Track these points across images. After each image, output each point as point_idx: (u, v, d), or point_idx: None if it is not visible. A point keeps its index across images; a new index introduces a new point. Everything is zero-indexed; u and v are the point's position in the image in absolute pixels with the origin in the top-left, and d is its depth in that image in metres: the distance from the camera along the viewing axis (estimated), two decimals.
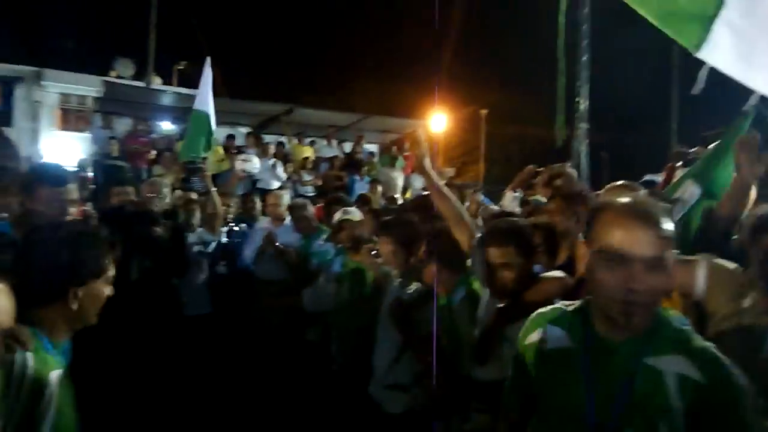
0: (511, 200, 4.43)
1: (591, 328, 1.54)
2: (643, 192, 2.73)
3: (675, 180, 3.78)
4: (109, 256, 1.92)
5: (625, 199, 1.53)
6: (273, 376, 4.81)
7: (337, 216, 4.37)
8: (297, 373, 4.83)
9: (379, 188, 8.44)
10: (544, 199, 3.99)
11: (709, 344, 1.45)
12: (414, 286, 3.25)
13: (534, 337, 1.67)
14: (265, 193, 7.11)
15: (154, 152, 11.78)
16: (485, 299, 2.67)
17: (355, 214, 4.43)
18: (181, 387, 4.21)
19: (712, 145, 3.52)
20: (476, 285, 2.85)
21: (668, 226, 1.43)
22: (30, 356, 1.57)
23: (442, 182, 3.15)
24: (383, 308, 3.57)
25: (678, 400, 1.37)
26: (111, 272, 1.92)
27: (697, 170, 3.44)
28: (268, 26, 23.43)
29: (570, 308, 1.64)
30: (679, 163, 4.81)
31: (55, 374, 1.62)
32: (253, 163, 5.90)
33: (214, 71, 6.12)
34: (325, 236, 4.80)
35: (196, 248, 5.07)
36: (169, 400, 3.91)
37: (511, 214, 3.69)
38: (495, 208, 4.93)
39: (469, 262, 2.89)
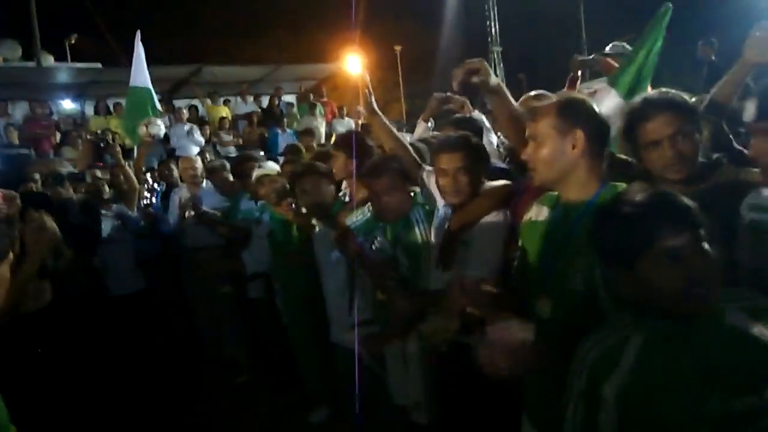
0: (423, 131, 4.39)
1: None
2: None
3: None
4: (9, 238, 1.81)
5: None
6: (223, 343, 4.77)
7: (256, 173, 4.26)
8: (248, 334, 4.80)
9: (311, 140, 8.18)
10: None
11: None
12: (355, 218, 3.22)
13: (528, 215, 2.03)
14: (162, 161, 6.93)
15: (58, 134, 11.08)
16: (438, 215, 2.78)
17: (272, 167, 4.34)
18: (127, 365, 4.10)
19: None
20: (426, 205, 2.94)
21: None
22: None
23: (385, 120, 3.24)
24: (321, 254, 3.56)
25: None
26: (11, 255, 1.81)
27: (616, 76, 3.51)
28: None
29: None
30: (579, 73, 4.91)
31: None
32: (158, 126, 5.63)
33: (109, 40, 5.88)
34: (248, 195, 4.68)
35: (115, 224, 4.83)
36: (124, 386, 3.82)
37: (426, 141, 3.69)
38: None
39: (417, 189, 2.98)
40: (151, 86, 6.32)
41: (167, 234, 5.06)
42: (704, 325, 1.32)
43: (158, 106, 6.32)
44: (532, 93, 3.03)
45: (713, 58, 8.59)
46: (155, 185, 5.14)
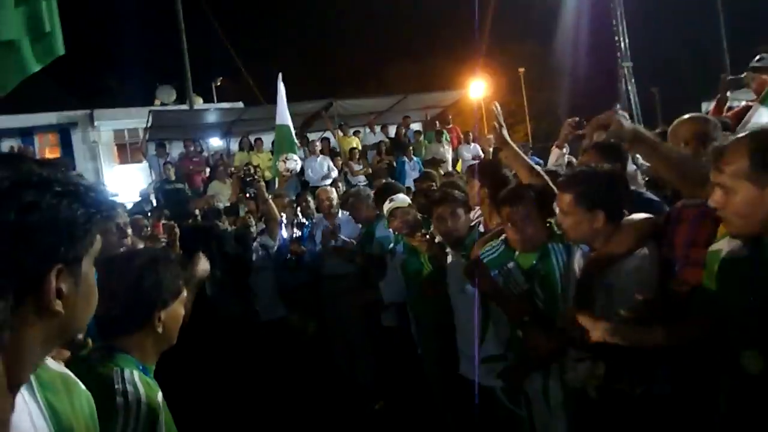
0: (557, 158, 4.28)
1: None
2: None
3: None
4: (182, 276, 2.00)
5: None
6: (357, 370, 4.88)
7: (386, 206, 4.37)
8: (383, 363, 4.89)
9: (436, 169, 8.28)
10: None
11: None
12: (490, 249, 3.19)
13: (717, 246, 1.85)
14: (316, 189, 7.27)
15: (207, 169, 12.13)
16: (578, 251, 2.67)
17: (403, 200, 4.42)
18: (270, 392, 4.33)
19: None
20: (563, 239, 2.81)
21: None
22: (138, 383, 1.62)
23: (518, 149, 3.24)
24: (453, 285, 3.57)
25: None
26: (185, 292, 2.00)
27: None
28: (299, 30, 23.67)
29: None
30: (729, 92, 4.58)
31: (160, 397, 1.67)
32: (295, 161, 6.06)
33: (249, 82, 6.55)
34: (384, 222, 4.81)
35: (259, 255, 5.20)
36: (262, 406, 4.03)
37: (553, 173, 3.60)
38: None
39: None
40: (290, 123, 6.86)
41: (309, 264, 5.32)
42: None
43: (296, 141, 6.82)
44: (686, 117, 2.79)
45: None
46: (304, 219, 5.40)
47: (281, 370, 4.81)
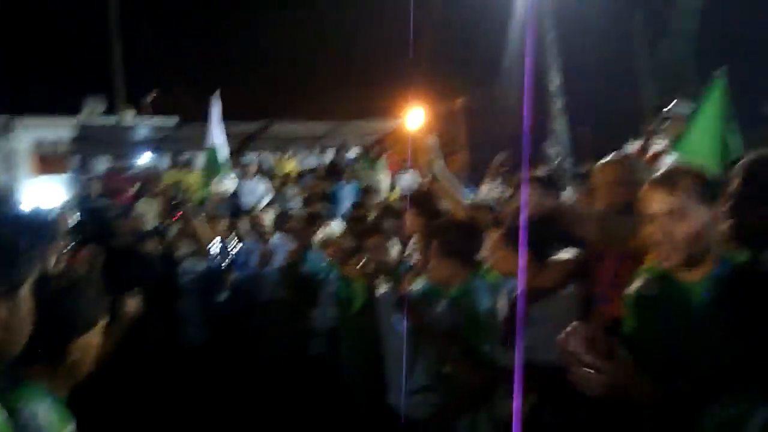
0: (488, 191, 4.38)
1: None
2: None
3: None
4: (103, 303, 1.89)
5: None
6: (285, 398, 4.77)
7: (321, 234, 4.34)
8: (309, 391, 4.78)
9: (373, 197, 8.28)
10: None
11: None
12: (420, 282, 3.18)
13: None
14: (250, 213, 7.12)
15: (135, 186, 11.68)
16: (503, 286, 2.68)
17: (336, 228, 4.41)
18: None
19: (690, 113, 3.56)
20: (492, 274, 2.84)
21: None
22: (41, 420, 1.53)
23: (449, 184, 3.32)
24: (383, 315, 3.55)
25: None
26: (104, 320, 1.89)
27: (680, 141, 3.49)
28: (238, 47, 23.41)
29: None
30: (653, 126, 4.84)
31: (71, 428, 1.62)
32: (228, 183, 5.95)
33: (184, 97, 6.38)
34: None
35: (186, 278, 5.01)
36: None
37: (483, 205, 3.68)
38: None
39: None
40: (221, 145, 6.70)
41: (239, 288, 5.18)
42: None
43: (224, 164, 6.68)
44: (610, 160, 2.81)
45: None
46: (234, 243, 5.27)
47: (206, 397, 4.62)
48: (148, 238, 5.47)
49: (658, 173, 1.80)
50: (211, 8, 24.26)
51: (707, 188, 1.71)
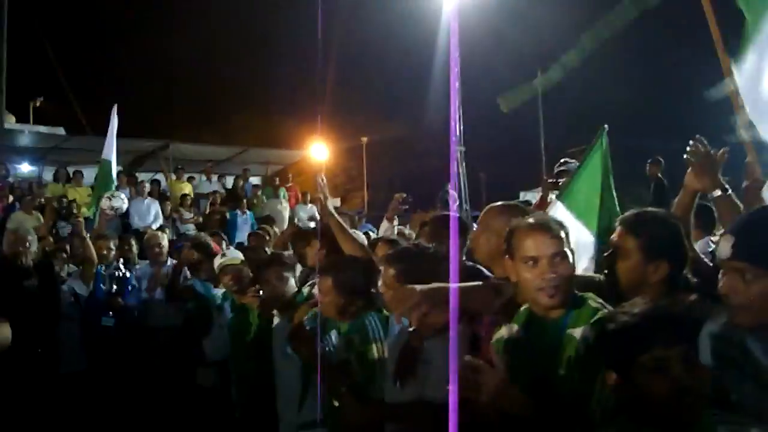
0: (386, 229, 4.48)
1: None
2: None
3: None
4: None
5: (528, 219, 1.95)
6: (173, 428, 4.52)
7: (219, 261, 4.20)
8: (198, 421, 4.56)
9: (275, 228, 8.09)
10: None
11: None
12: (314, 315, 3.16)
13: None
14: (140, 234, 6.79)
15: (11, 197, 10.76)
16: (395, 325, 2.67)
17: (235, 256, 4.29)
18: None
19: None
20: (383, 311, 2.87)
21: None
22: None
23: (342, 221, 3.35)
24: (276, 345, 3.49)
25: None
26: None
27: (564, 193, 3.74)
28: (137, 59, 22.46)
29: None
30: (552, 180, 5.18)
31: None
32: (122, 200, 5.61)
33: (75, 108, 6.02)
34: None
35: (67, 301, 4.65)
36: None
37: (394, 241, 3.77)
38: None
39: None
40: (114, 160, 6.41)
41: (127, 313, 4.86)
42: None
43: (114, 180, 6.36)
44: (498, 205, 2.74)
45: (659, 175, 9.14)
46: (125, 269, 4.93)
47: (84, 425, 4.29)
48: (25, 256, 5.03)
49: (535, 219, 1.96)
50: (110, 19, 23.24)
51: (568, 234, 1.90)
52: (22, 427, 3.14)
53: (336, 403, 2.82)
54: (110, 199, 5.64)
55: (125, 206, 6.04)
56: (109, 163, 6.58)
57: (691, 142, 2.44)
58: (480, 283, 2.45)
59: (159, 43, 21.55)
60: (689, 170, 2.46)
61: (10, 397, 2.98)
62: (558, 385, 1.81)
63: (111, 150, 6.64)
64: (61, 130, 14.53)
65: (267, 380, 3.57)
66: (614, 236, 2.08)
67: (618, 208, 3.47)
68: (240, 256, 4.36)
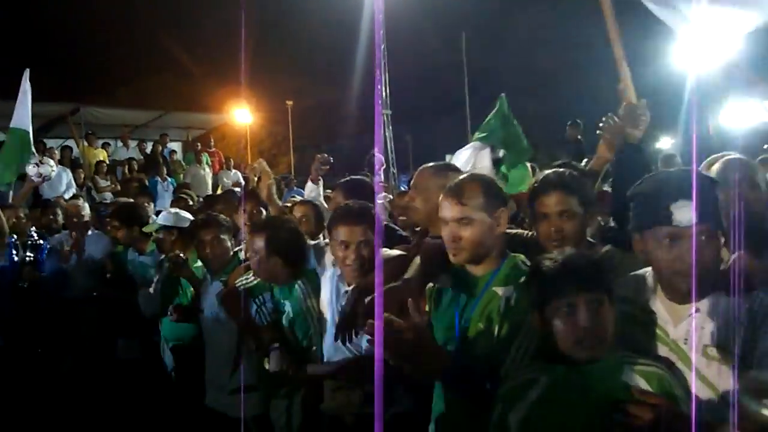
0: (311, 191, 4.48)
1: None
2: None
3: None
4: None
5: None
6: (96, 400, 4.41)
7: (153, 225, 4.12)
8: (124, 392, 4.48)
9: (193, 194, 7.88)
10: None
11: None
12: (246, 278, 3.15)
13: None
14: (48, 203, 6.44)
15: None
16: (333, 283, 2.74)
17: (167, 219, 4.20)
18: None
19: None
20: (311, 274, 2.93)
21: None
22: None
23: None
24: (207, 309, 3.46)
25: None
26: None
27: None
28: (46, 17, 20.87)
29: None
30: None
31: None
32: (50, 167, 5.33)
33: None
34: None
35: None
36: None
37: (310, 202, 3.83)
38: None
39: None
40: (30, 130, 5.94)
41: (42, 284, 4.64)
42: (594, 373, 1.59)
43: (32, 149, 5.92)
44: (430, 166, 2.90)
45: (579, 137, 9.55)
46: (39, 239, 4.69)
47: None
48: None
49: (452, 184, 2.06)
50: None
51: (493, 196, 2.00)
52: None
53: (267, 365, 2.85)
54: (38, 166, 5.33)
55: (54, 173, 5.73)
56: (22, 132, 6.08)
57: (603, 118, 2.62)
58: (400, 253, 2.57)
59: (69, 1, 20.11)
60: (601, 142, 2.69)
61: None
62: (475, 339, 1.94)
63: (26, 118, 6.12)
64: None
65: (198, 345, 3.55)
66: (551, 200, 2.19)
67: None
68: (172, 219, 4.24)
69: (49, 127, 12.95)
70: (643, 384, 1.55)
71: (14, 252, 4.54)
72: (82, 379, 4.61)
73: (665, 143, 13.35)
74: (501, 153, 4.33)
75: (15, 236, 4.69)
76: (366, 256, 2.50)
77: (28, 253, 4.57)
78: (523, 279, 1.89)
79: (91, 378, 4.56)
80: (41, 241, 4.73)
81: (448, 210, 1.98)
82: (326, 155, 4.38)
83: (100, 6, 20.46)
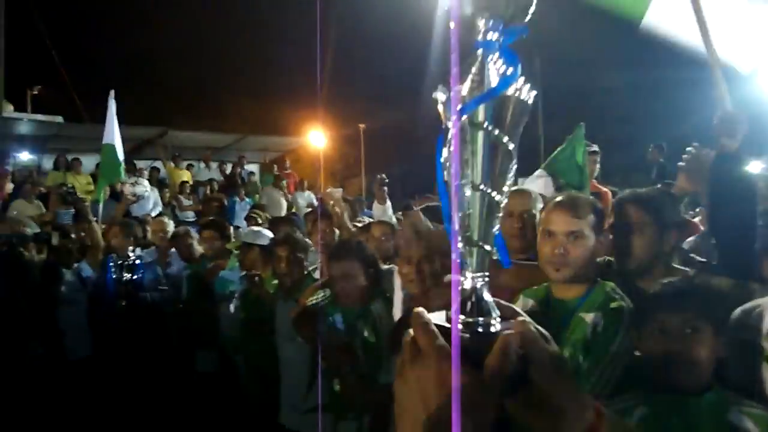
0: (379, 212, 4.53)
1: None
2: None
3: None
4: None
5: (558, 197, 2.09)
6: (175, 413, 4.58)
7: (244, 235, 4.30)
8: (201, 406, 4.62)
9: (264, 214, 8.16)
10: None
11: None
12: (320, 297, 3.19)
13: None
14: (139, 221, 6.82)
15: (11, 185, 10.76)
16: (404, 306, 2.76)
17: (266, 235, 4.34)
18: None
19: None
20: (384, 297, 2.95)
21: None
22: None
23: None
24: (281, 328, 3.52)
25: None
26: None
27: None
28: (134, 46, 22.31)
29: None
30: None
31: None
32: (144, 187, 5.72)
33: (73, 95, 6.08)
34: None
35: (71, 286, 4.69)
36: None
37: (388, 223, 3.88)
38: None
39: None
40: (118, 144, 6.40)
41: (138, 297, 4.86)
42: (699, 408, 1.54)
43: (122, 165, 6.37)
44: (520, 187, 3.04)
45: (661, 160, 9.21)
46: (135, 257, 4.94)
47: (90, 413, 4.34)
48: (27, 243, 5.07)
49: (565, 197, 2.06)
50: (107, 6, 23.05)
51: (601, 219, 1.98)
52: (30, 415, 3.18)
53: (337, 387, 2.87)
54: (133, 186, 5.71)
55: (147, 193, 6.11)
56: (113, 147, 6.53)
57: (688, 149, 2.57)
58: None
59: (156, 30, 21.40)
60: (681, 172, 2.64)
61: (16, 384, 3.02)
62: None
63: (113, 134, 6.59)
64: (59, 119, 14.50)
65: (273, 364, 3.60)
66: (628, 215, 2.16)
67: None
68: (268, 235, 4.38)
69: (140, 149, 13.78)
70: (751, 427, 1.49)
71: (112, 270, 4.81)
72: (161, 390, 4.79)
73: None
74: (560, 182, 4.30)
75: (113, 255, 4.94)
76: (427, 272, 2.47)
77: (124, 273, 4.80)
78: (613, 305, 1.86)
79: (169, 389, 4.73)
80: (137, 259, 4.96)
81: (561, 223, 1.96)
82: (383, 176, 4.46)
83: (185, 38, 21.65)
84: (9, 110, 15.78)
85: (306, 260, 3.68)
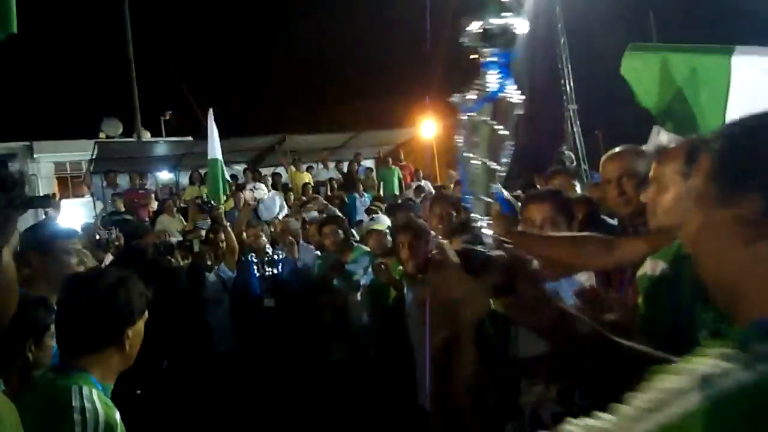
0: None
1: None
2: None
3: None
4: (148, 295, 1.96)
5: None
6: (314, 400, 4.80)
7: (366, 225, 4.42)
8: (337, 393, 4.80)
9: (381, 206, 8.38)
10: None
11: None
12: None
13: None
14: (267, 223, 7.28)
15: (155, 203, 11.85)
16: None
17: (383, 221, 4.44)
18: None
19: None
20: None
21: None
22: (96, 401, 1.59)
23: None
24: (411, 311, 3.56)
25: None
26: (146, 314, 1.96)
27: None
28: (252, 69, 23.72)
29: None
30: None
31: (118, 416, 1.65)
32: (263, 191, 6.15)
33: (199, 116, 6.81)
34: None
35: (214, 287, 5.10)
36: None
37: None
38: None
39: None
40: (221, 157, 7.09)
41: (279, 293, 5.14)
42: None
43: (227, 175, 7.02)
44: (615, 152, 2.75)
45: None
46: (273, 254, 5.22)
47: (238, 403, 4.68)
48: (173, 251, 5.58)
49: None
50: (224, 27, 24.65)
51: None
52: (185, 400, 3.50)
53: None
54: (253, 191, 6.09)
55: (267, 196, 6.53)
56: (217, 161, 7.26)
57: None
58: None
59: (270, 48, 22.63)
60: None
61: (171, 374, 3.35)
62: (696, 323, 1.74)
63: (216, 149, 7.30)
64: (189, 138, 15.76)
65: (406, 348, 3.63)
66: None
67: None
68: (387, 222, 4.48)
69: (262, 156, 14.60)
70: None
71: (255, 269, 5.13)
72: (299, 380, 5.04)
73: None
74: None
75: (253, 254, 5.24)
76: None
77: (266, 269, 5.10)
78: None
79: (306, 379, 4.95)
80: (275, 255, 5.23)
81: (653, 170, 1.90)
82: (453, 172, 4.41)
83: (298, 48, 22.61)
84: (147, 136, 17.39)
85: (428, 244, 3.69)
